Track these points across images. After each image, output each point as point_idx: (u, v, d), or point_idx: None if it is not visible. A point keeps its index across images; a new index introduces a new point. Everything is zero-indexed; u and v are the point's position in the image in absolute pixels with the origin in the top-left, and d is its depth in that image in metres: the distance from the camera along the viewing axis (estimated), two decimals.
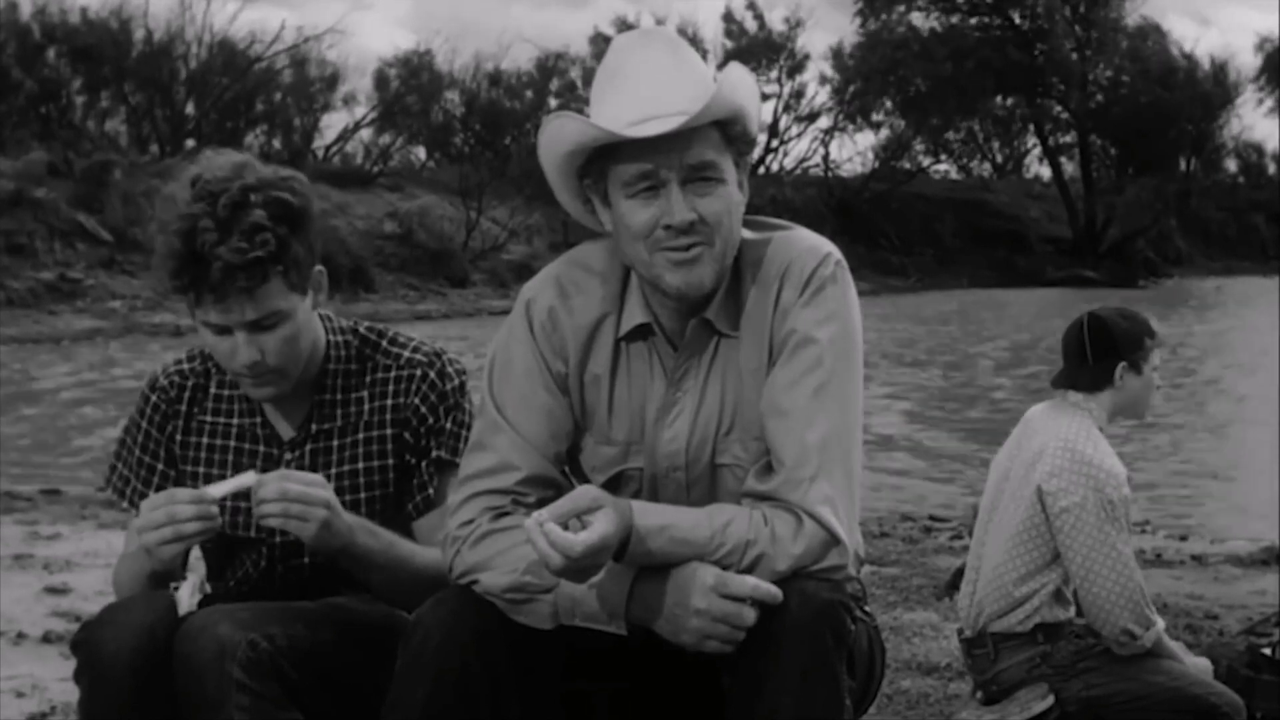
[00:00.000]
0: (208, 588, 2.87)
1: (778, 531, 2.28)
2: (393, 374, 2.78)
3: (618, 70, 2.41)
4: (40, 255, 29.20)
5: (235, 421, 2.80)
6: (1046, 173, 60.80)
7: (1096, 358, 3.98)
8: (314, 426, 2.76)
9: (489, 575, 2.36)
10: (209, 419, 2.81)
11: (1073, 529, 3.80)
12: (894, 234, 49.48)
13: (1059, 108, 58.72)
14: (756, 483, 2.36)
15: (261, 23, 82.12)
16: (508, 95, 48.43)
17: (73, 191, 30.95)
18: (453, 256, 36.58)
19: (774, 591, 2.23)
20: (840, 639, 2.27)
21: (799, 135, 55.84)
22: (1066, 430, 3.90)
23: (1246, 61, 73.71)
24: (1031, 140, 61.68)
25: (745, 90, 2.40)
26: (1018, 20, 57.21)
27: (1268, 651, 4.20)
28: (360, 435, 2.76)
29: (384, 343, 2.81)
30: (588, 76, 44.53)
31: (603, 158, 2.39)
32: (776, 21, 54.47)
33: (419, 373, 2.77)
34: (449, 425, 2.76)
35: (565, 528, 2.21)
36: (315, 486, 2.52)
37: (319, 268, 2.71)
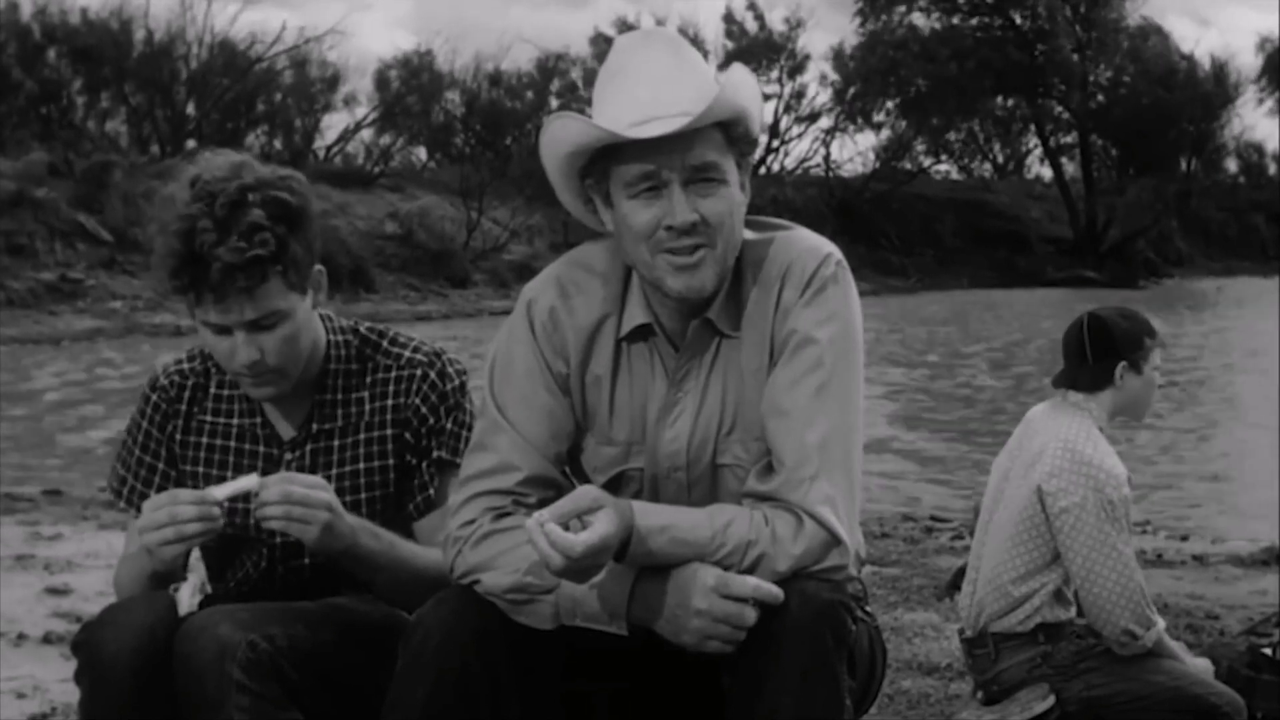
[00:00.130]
0: (208, 588, 2.88)
1: (778, 532, 2.28)
2: (393, 374, 2.78)
3: (619, 71, 2.41)
4: (41, 256, 29.21)
5: (235, 421, 2.80)
6: (1047, 173, 60.89)
7: (1096, 357, 3.98)
8: (314, 426, 2.76)
9: (490, 576, 2.36)
10: (209, 419, 2.81)
11: (1073, 529, 3.80)
12: (894, 234, 49.48)
13: (1060, 108, 58.74)
14: (757, 483, 2.36)
15: (262, 23, 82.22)
16: (508, 96, 48.43)
17: (73, 192, 30.95)
18: (453, 257, 36.58)
19: (775, 592, 2.23)
20: (841, 639, 2.27)
21: (800, 136, 55.93)
22: (1066, 430, 3.90)
23: (1247, 61, 73.72)
24: (1032, 140, 61.75)
25: (747, 91, 2.40)
26: (1018, 20, 57.21)
27: (1268, 651, 4.20)
28: (361, 435, 2.76)
29: (384, 343, 2.81)
30: (588, 77, 44.60)
31: (605, 158, 2.39)
32: (777, 22, 54.55)
33: (419, 373, 2.77)
34: (449, 425, 2.76)
35: (566, 528, 2.21)
36: (317, 489, 2.52)
37: (318, 267, 2.71)
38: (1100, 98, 58.08)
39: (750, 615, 2.22)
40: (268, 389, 2.68)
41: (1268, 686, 4.10)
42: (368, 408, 2.77)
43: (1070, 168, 59.53)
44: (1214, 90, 57.07)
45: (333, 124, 61.72)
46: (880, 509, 9.41)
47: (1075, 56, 56.98)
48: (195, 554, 2.75)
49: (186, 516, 2.47)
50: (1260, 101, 59.74)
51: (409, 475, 2.77)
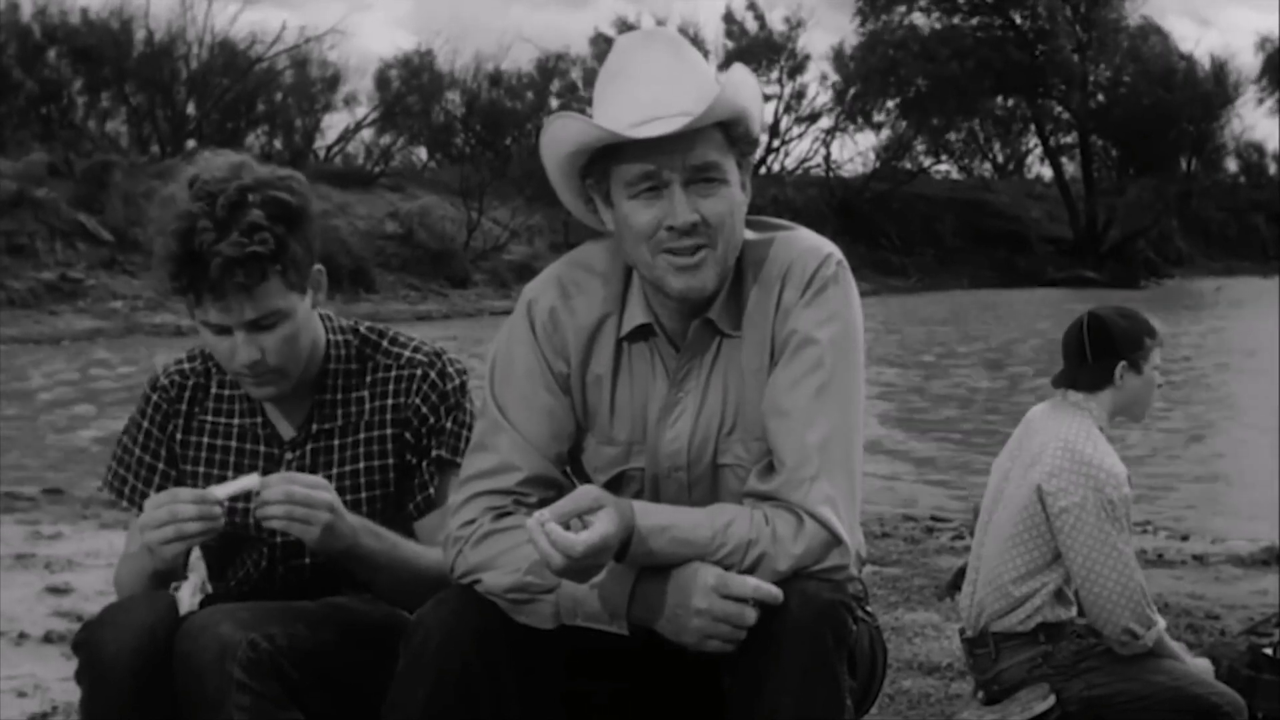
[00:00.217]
0: (209, 588, 2.88)
1: (779, 531, 2.28)
2: (393, 374, 2.78)
3: (620, 71, 2.41)
4: (41, 255, 29.22)
5: (236, 421, 2.80)
6: (1047, 173, 60.94)
7: (1096, 357, 3.98)
8: (315, 426, 2.76)
9: (491, 575, 2.36)
10: (209, 419, 2.81)
11: (1073, 529, 3.81)
12: (895, 234, 49.50)
13: (1060, 108, 58.77)
14: (758, 483, 2.36)
15: (262, 23, 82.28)
16: (508, 96, 48.45)
17: (73, 192, 30.97)
18: (454, 257, 36.60)
19: (775, 592, 2.23)
20: (841, 639, 2.27)
21: (800, 136, 55.99)
22: (1066, 430, 3.90)
23: (1247, 61, 73.76)
24: (1032, 140, 61.79)
25: (748, 91, 2.40)
26: (1018, 20, 57.25)
27: (1269, 651, 4.20)
28: (361, 435, 2.76)
29: (384, 342, 2.82)
30: (589, 77, 44.60)
31: (605, 158, 2.39)
32: (777, 22, 54.60)
33: (419, 372, 2.77)
34: (450, 425, 2.76)
35: (567, 528, 2.21)
36: (319, 489, 2.52)
37: (318, 267, 2.71)
38: (1100, 98, 58.12)
39: (750, 615, 2.22)
40: (268, 389, 2.68)
41: (1268, 686, 4.10)
42: (368, 407, 2.77)
43: (1070, 168, 59.60)
44: (1214, 90, 57.09)
45: (333, 124, 61.76)
46: (880, 509, 9.40)
47: (1075, 56, 57.02)
48: (196, 553, 2.75)
49: (187, 515, 2.48)
50: (1260, 102, 59.79)
51: (409, 475, 2.77)
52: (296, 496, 2.49)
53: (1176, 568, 7.15)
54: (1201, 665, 4.01)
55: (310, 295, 2.69)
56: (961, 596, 4.16)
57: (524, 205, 37.66)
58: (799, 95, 53.01)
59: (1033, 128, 60.11)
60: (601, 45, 46.59)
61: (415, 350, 2.80)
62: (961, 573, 4.31)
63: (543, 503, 2.34)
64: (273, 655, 2.46)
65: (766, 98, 39.59)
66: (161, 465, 2.82)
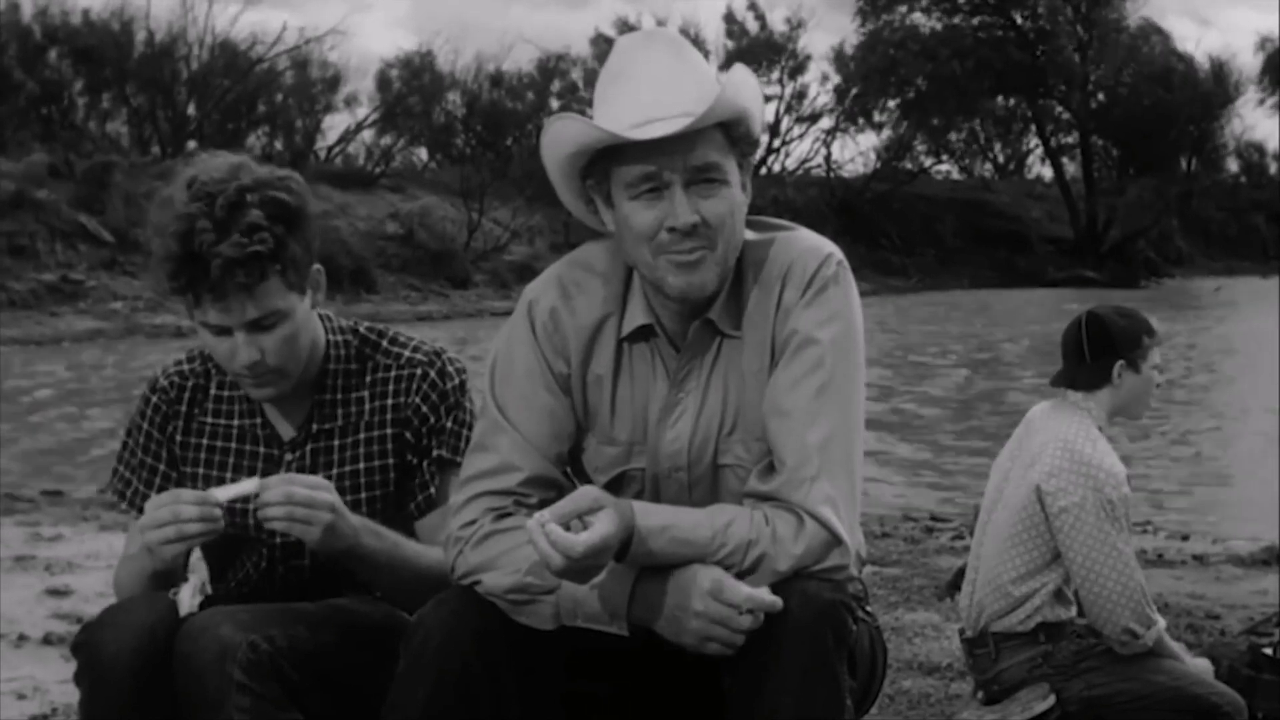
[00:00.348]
0: (209, 589, 2.88)
1: (779, 532, 2.28)
2: (393, 373, 2.78)
3: (621, 71, 2.41)
4: (42, 256, 29.23)
5: (236, 422, 2.80)
6: (1048, 173, 60.91)
7: (1094, 356, 3.98)
8: (314, 426, 2.76)
9: (491, 576, 2.36)
10: (209, 420, 2.81)
11: (1072, 529, 3.81)
12: (895, 234, 49.49)
13: (1060, 108, 58.75)
14: (758, 483, 2.36)
15: (263, 24, 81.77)
16: (509, 96, 48.46)
17: (74, 193, 30.98)
18: (454, 257, 36.60)
19: (770, 601, 2.22)
20: (841, 639, 2.27)
21: (801, 136, 56.01)
22: (1065, 430, 3.90)
23: (1247, 61, 73.77)
24: (1033, 140, 61.76)
25: (749, 92, 2.40)
26: (1019, 20, 57.23)
27: (1269, 651, 4.20)
28: (361, 435, 2.76)
29: (384, 342, 2.82)
30: (589, 77, 44.60)
31: (606, 159, 2.39)
32: (778, 22, 54.63)
33: (419, 372, 2.77)
34: (450, 424, 2.76)
35: (567, 528, 2.21)
36: (320, 490, 2.52)
37: (317, 267, 2.70)
38: (1101, 98, 58.11)
39: (745, 620, 2.22)
40: (268, 389, 2.68)
41: (1268, 686, 4.10)
42: (367, 407, 2.77)
43: (1071, 168, 59.57)
44: (1214, 90, 57.08)
45: (334, 125, 61.55)
46: (880, 509, 9.40)
47: (1076, 56, 56.99)
48: (196, 555, 2.75)
49: (188, 516, 2.48)
50: (1261, 102, 59.78)
51: (409, 474, 2.77)
52: (297, 497, 2.49)
53: (1177, 568, 7.15)
54: (1201, 665, 4.01)
55: (310, 295, 2.69)
56: (961, 596, 4.16)
57: (525, 206, 37.67)
58: (800, 96, 53.05)
59: (1033, 128, 60.10)
60: (602, 46, 46.59)
61: (415, 350, 2.80)
62: (961, 573, 4.31)
63: (543, 503, 2.34)
64: (273, 656, 2.46)
65: (767, 98, 39.57)
66: (162, 467, 2.82)
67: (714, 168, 2.37)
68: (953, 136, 57.49)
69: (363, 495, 2.74)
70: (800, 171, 53.32)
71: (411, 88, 46.25)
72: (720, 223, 2.37)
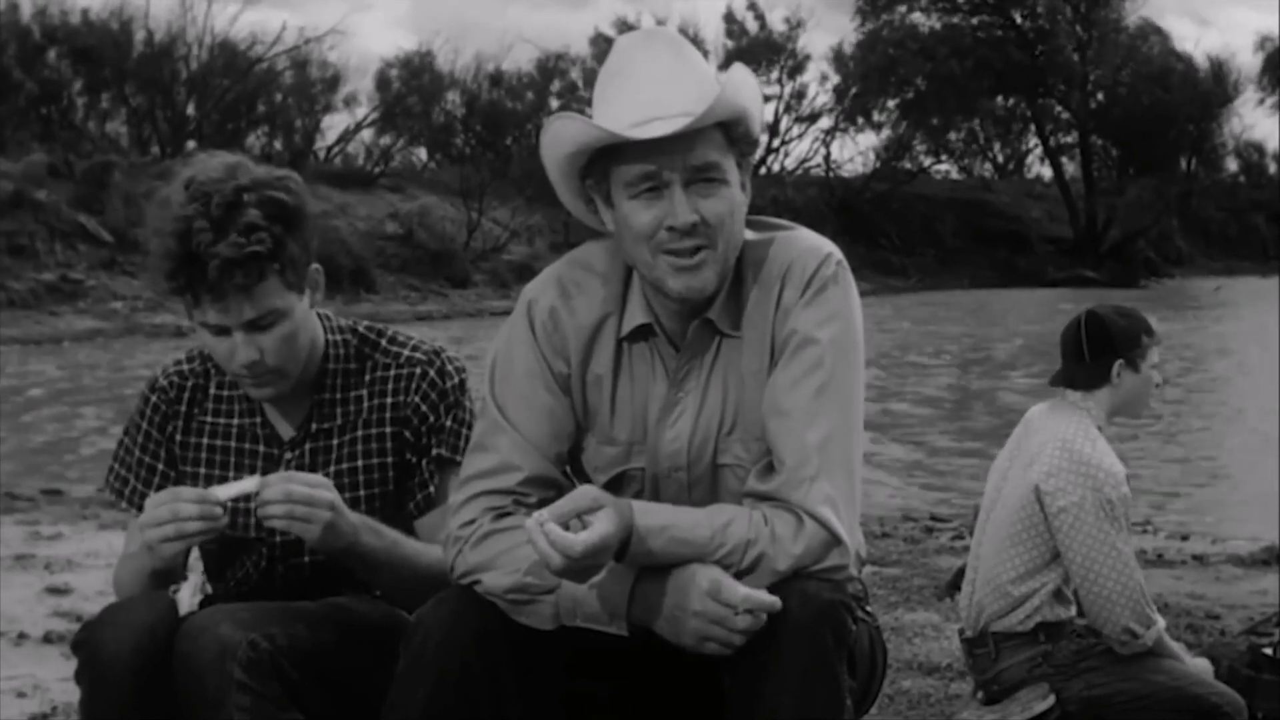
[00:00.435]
0: (208, 588, 2.88)
1: (778, 531, 2.28)
2: (392, 372, 2.78)
3: (620, 71, 2.41)
4: (41, 256, 29.23)
5: (235, 422, 2.80)
6: (1048, 173, 60.95)
7: (1094, 355, 3.98)
8: (314, 425, 2.76)
9: (491, 576, 2.36)
10: (209, 419, 2.81)
11: (1071, 529, 3.80)
12: (895, 234, 49.52)
13: (1060, 108, 58.77)
14: (758, 483, 2.36)
15: (262, 24, 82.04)
16: (509, 96, 48.47)
17: (74, 193, 30.98)
18: (454, 257, 36.61)
19: (769, 601, 2.22)
20: (841, 639, 2.27)
21: (800, 136, 55.98)
22: (1064, 430, 3.90)
23: (1246, 61, 73.80)
24: (1032, 140, 61.79)
25: (749, 92, 2.40)
26: (1019, 20, 57.25)
27: (1269, 651, 4.20)
28: (360, 433, 2.76)
29: (383, 341, 2.81)
30: (589, 77, 44.60)
31: (605, 158, 2.39)
32: (777, 22, 54.57)
33: (419, 371, 2.77)
34: (449, 423, 2.76)
35: (566, 528, 2.21)
36: (320, 488, 2.52)
37: (315, 266, 2.70)
38: (1100, 97, 58.12)
39: (741, 621, 2.21)
40: (267, 389, 2.68)
41: (1268, 686, 4.10)
42: (366, 406, 2.77)
43: (1070, 168, 59.61)
44: (1213, 90, 57.09)
45: (333, 124, 61.61)
46: (880, 509, 9.40)
47: (1075, 56, 57.01)
48: (195, 554, 2.76)
49: (188, 514, 2.48)
50: (1260, 102, 59.79)
51: (409, 473, 2.77)
52: (297, 495, 2.49)
53: (1176, 568, 7.15)
54: (1201, 665, 4.01)
55: (308, 295, 2.69)
56: (961, 596, 4.16)
57: (524, 205, 37.68)
58: (799, 95, 53.08)
59: (1033, 128, 60.11)
60: (601, 45, 46.60)
61: (414, 349, 2.80)
62: (961, 573, 4.31)
63: (543, 503, 2.33)
64: (273, 655, 2.46)
65: (766, 98, 39.63)
66: (161, 466, 2.82)
67: (713, 167, 2.37)
68: (952, 136, 57.54)
69: (362, 494, 2.74)
70: (800, 171, 53.36)
71: (411, 87, 46.25)
72: (720, 222, 2.37)
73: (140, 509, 2.68)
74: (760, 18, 52.95)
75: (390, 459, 2.76)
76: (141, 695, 2.45)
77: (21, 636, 5.43)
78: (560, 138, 2.39)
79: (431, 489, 2.75)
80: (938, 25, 56.46)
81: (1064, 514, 3.81)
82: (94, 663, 2.47)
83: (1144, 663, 3.86)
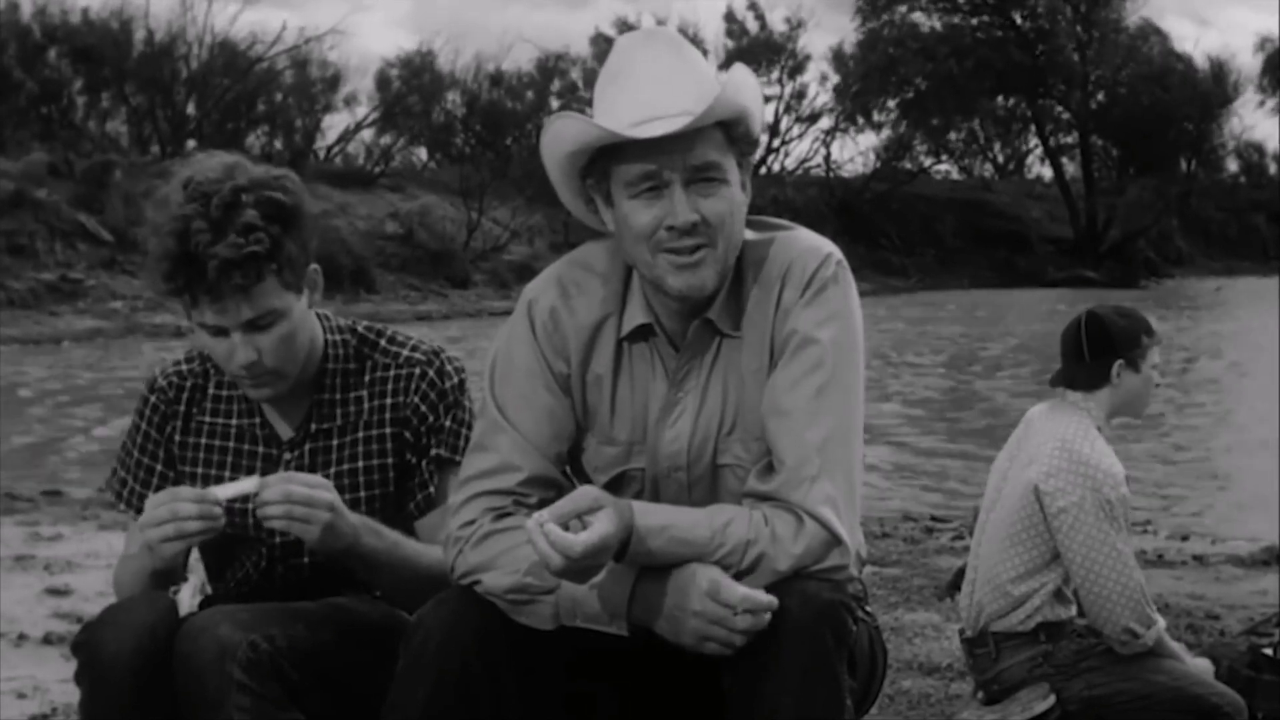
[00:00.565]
0: (208, 589, 2.88)
1: (778, 531, 2.28)
2: (391, 372, 2.77)
3: (621, 70, 2.41)
4: (41, 256, 29.23)
5: (234, 422, 2.80)
6: (1048, 173, 60.97)
7: (1094, 356, 3.98)
8: (313, 426, 2.76)
9: (491, 576, 2.36)
10: (208, 420, 2.81)
11: (1071, 529, 3.80)
12: (895, 234, 49.52)
13: (1060, 108, 58.77)
14: (758, 483, 2.36)
15: (262, 24, 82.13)
16: (509, 96, 48.47)
17: (73, 192, 30.98)
18: (454, 257, 36.61)
19: (767, 601, 2.22)
20: (841, 639, 2.27)
21: (800, 136, 56.01)
22: (1064, 430, 3.90)
23: (1246, 62, 73.81)
24: (1032, 140, 61.79)
25: (749, 91, 2.40)
26: (1019, 20, 57.26)
27: (1269, 652, 4.20)
28: (359, 434, 2.76)
29: (383, 341, 2.81)
30: (589, 77, 44.62)
31: (605, 158, 2.39)
32: (778, 22, 54.58)
33: (418, 371, 2.77)
34: (449, 424, 2.75)
35: (566, 528, 2.21)
36: (319, 489, 2.52)
37: (314, 266, 2.70)
38: (1100, 98, 58.13)
39: (741, 621, 2.21)
40: (266, 390, 2.68)
41: (1268, 687, 4.10)
42: (366, 406, 2.76)
43: (1070, 168, 59.62)
44: (1213, 90, 57.11)
45: (333, 124, 61.56)
46: (880, 509, 9.40)
47: (1076, 57, 57.01)
48: (195, 554, 2.75)
49: (187, 514, 2.48)
50: (1261, 104, 59.82)
51: (408, 474, 2.76)
52: (296, 496, 2.49)
53: (1176, 568, 7.15)
54: (1202, 665, 4.01)
55: (307, 295, 2.69)
56: (961, 596, 4.16)
57: (524, 205, 37.68)
58: (799, 95, 53.09)
59: (1033, 128, 60.12)
60: (601, 45, 46.62)
61: (414, 349, 2.80)
62: (961, 573, 4.31)
63: (543, 503, 2.34)
64: (273, 656, 2.46)
65: (767, 98, 39.60)
66: (160, 467, 2.82)
67: (713, 167, 2.37)
68: (952, 136, 57.56)
69: (361, 494, 2.74)
70: (800, 171, 53.37)
71: (411, 87, 46.25)
72: (720, 221, 2.37)
73: (139, 510, 2.68)
74: (760, 18, 53.02)
75: (390, 459, 2.76)
76: (141, 696, 2.45)
77: (21, 637, 5.43)
78: (561, 137, 2.39)
79: (431, 489, 2.75)
80: (938, 25, 56.49)
81: (1064, 514, 3.81)
82: (94, 663, 2.47)
83: (1144, 663, 3.86)
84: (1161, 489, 11.10)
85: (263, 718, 2.43)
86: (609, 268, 2.51)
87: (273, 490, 2.50)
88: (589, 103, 2.46)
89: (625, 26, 46.45)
